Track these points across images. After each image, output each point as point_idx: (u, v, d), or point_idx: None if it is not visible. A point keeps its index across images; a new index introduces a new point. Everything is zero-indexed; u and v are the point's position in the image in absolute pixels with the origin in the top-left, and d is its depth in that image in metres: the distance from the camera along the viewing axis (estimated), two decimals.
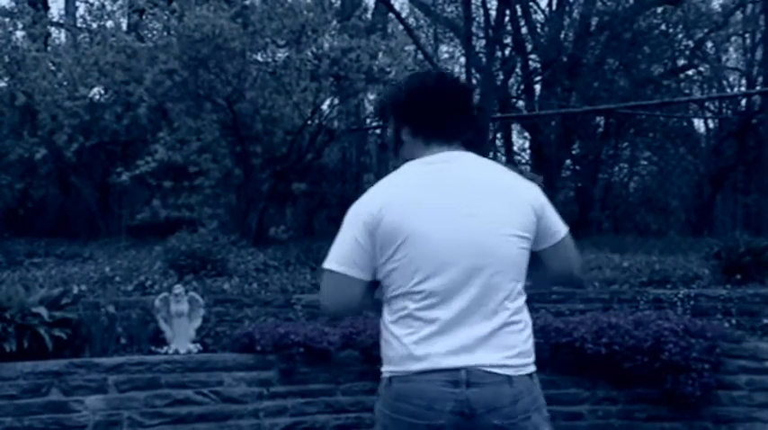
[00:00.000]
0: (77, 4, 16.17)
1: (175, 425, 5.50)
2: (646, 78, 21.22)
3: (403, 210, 2.56)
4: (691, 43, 22.78)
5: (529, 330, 2.62)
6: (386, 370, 2.59)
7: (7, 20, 11.62)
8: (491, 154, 17.89)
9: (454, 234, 2.53)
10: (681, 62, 23.13)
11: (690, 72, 23.66)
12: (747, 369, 5.94)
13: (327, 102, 11.53)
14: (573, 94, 20.37)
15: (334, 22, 11.01)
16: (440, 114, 2.68)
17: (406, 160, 2.72)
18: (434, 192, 2.58)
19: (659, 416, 5.92)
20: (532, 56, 21.82)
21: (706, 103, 23.59)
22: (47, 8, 15.48)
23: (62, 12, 15.98)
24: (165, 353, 5.80)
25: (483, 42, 18.60)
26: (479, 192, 2.62)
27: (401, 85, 2.81)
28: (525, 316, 2.62)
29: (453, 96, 2.71)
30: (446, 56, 24.00)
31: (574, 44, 20.76)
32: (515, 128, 23.60)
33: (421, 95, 2.69)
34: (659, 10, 21.48)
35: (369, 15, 16.12)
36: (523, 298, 2.63)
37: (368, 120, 14.22)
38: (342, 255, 2.65)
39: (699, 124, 24.79)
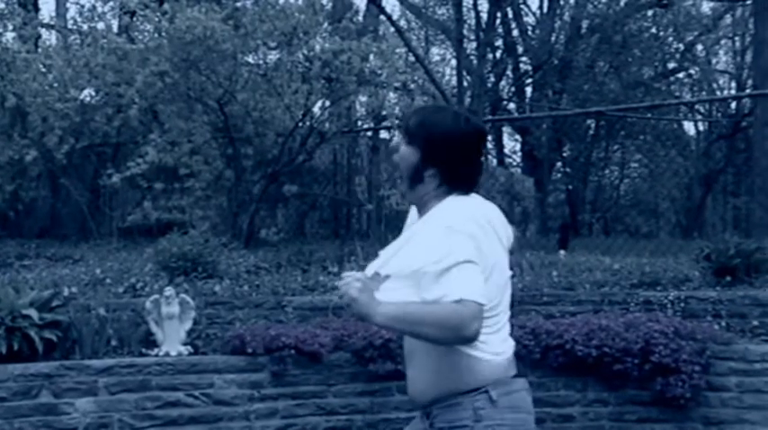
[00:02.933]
0: (68, 5, 16.16)
1: (166, 428, 5.49)
2: (636, 81, 21.30)
3: None
4: (681, 46, 22.89)
5: None
6: (479, 386, 2.59)
7: None
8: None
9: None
10: (671, 65, 23.24)
11: (680, 75, 23.77)
12: (737, 371, 5.96)
13: (319, 104, 11.52)
14: (564, 96, 20.44)
15: (326, 25, 11.01)
16: (471, 167, 2.71)
17: (416, 200, 2.73)
18: None
19: (650, 418, 5.94)
20: (523, 58, 21.90)
21: (696, 106, 23.70)
22: (37, 9, 15.43)
23: (53, 13, 15.96)
24: (156, 356, 5.79)
25: (474, 45, 18.64)
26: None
27: (441, 119, 2.70)
28: None
29: (481, 145, 2.75)
30: (437, 58, 24.07)
31: (564, 47, 20.84)
32: (506, 130, 23.66)
33: (458, 143, 2.66)
34: (649, 13, 21.59)
35: (360, 18, 16.11)
36: None
37: (359, 123, 14.21)
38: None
39: (689, 127, 24.89)
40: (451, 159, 2.65)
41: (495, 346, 2.61)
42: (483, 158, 2.80)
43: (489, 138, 22.21)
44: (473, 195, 2.73)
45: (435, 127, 2.67)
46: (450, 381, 2.60)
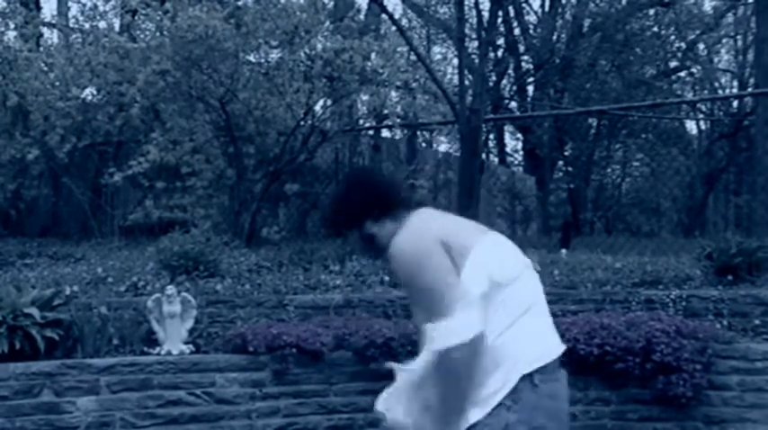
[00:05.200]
0: (70, 4, 16.17)
1: (168, 426, 5.49)
2: (638, 80, 21.29)
3: None
4: (683, 45, 22.88)
5: None
6: (520, 372, 2.68)
7: None
8: (484, 155, 17.91)
9: None
10: (673, 64, 23.22)
11: (682, 73, 23.77)
12: (739, 369, 5.96)
13: (320, 103, 11.52)
14: (565, 95, 20.44)
15: (327, 23, 11.02)
16: (380, 193, 3.00)
17: (382, 247, 2.93)
18: None
19: (651, 417, 5.94)
20: (525, 57, 21.90)
21: (698, 105, 23.68)
22: (39, 8, 15.43)
23: (54, 12, 15.95)
24: (158, 354, 5.79)
25: (476, 43, 18.60)
26: None
27: (336, 202, 3.11)
28: None
29: (371, 181, 3.11)
30: (439, 57, 24.06)
31: (566, 45, 20.83)
32: (508, 129, 23.68)
33: (361, 191, 2.99)
34: (651, 12, 21.57)
35: (362, 16, 16.11)
36: None
37: (361, 122, 14.21)
38: None
39: (691, 126, 24.88)
40: (364, 207, 2.96)
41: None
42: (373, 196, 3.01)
43: (491, 136, 22.22)
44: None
45: (343, 203, 3.05)
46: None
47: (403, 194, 3.08)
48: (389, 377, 5.81)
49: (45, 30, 13.64)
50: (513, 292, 2.76)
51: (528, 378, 2.65)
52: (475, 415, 2.66)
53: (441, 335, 2.62)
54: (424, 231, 2.77)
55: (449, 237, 2.74)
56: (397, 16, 17.45)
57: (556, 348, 2.81)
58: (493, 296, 2.69)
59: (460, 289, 2.64)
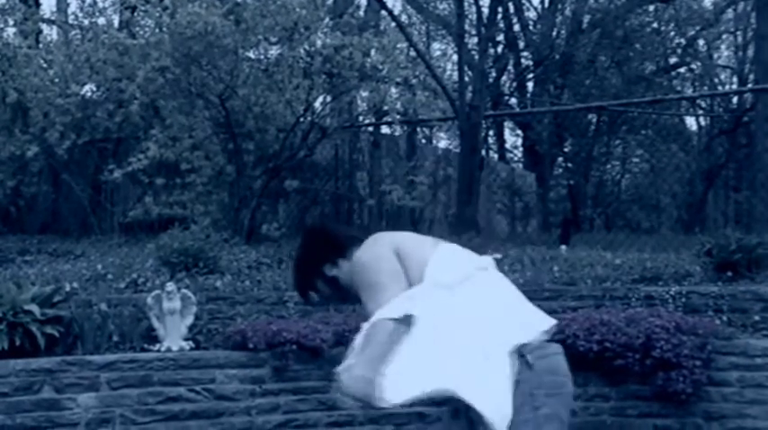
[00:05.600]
0: (69, 0, 16.15)
1: (168, 423, 5.50)
2: (638, 76, 21.27)
3: None
4: (682, 41, 22.87)
5: None
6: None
7: None
8: (484, 152, 17.91)
9: None
10: (672, 60, 23.21)
11: (681, 70, 23.75)
12: (738, 366, 5.97)
13: (320, 99, 11.52)
14: (565, 91, 20.44)
15: (327, 20, 11.01)
16: (334, 236, 3.19)
17: (347, 285, 3.08)
18: None
19: (651, 413, 5.95)
20: (525, 53, 21.90)
21: (698, 101, 23.67)
22: (38, 5, 15.40)
23: (54, 8, 15.94)
24: (158, 351, 5.80)
25: (475, 40, 18.58)
26: None
27: (299, 257, 3.26)
28: None
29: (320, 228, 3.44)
30: (438, 53, 24.02)
31: (566, 42, 20.82)
32: (508, 125, 23.68)
33: (311, 244, 3.22)
34: (651, 8, 21.56)
35: (361, 13, 16.11)
36: None
37: (360, 118, 14.21)
38: None
39: (690, 122, 24.89)
40: (320, 250, 3.15)
41: None
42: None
43: (491, 132, 22.22)
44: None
45: (300, 264, 3.23)
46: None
47: (352, 234, 3.22)
48: None
49: (44, 26, 13.64)
50: (472, 290, 2.78)
51: (522, 358, 2.64)
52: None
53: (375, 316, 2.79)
54: (378, 240, 2.96)
55: (403, 246, 2.89)
56: (396, 12, 17.45)
57: (539, 324, 2.82)
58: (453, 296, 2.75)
59: (399, 292, 2.76)
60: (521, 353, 2.66)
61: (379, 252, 2.88)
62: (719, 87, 24.65)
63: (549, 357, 2.73)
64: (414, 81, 13.57)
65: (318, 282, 3.14)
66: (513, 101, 22.80)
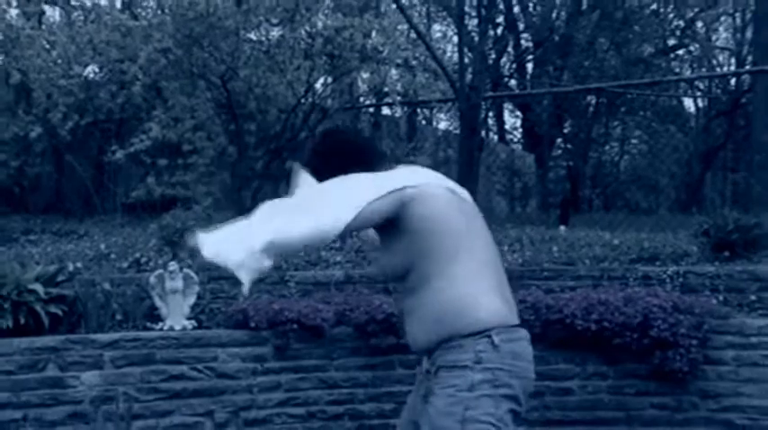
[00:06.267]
0: None
1: (171, 401, 5.52)
2: (637, 57, 21.23)
3: None
4: (681, 23, 22.80)
5: None
6: (481, 330, 2.68)
7: None
8: (483, 133, 17.88)
9: None
10: (671, 41, 23.14)
11: (680, 51, 23.69)
12: (734, 344, 5.98)
13: (321, 80, 11.50)
14: (564, 72, 20.38)
15: (328, 1, 10.98)
16: (368, 153, 3.03)
17: None
18: None
19: (648, 392, 5.97)
20: (524, 35, 21.81)
21: (696, 82, 23.61)
22: None
23: None
24: (161, 330, 5.81)
25: (475, 21, 18.51)
26: None
27: (321, 156, 3.08)
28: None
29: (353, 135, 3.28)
30: (439, 35, 23.93)
31: (565, 23, 20.77)
32: (507, 106, 23.61)
33: (339, 152, 3.02)
34: None
35: None
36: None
37: (361, 99, 14.19)
38: None
39: (689, 103, 24.84)
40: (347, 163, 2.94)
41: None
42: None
43: (490, 113, 22.19)
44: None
45: (321, 166, 3.00)
46: (451, 326, 2.68)
47: (379, 151, 3.09)
48: (390, 352, 5.85)
49: (47, 7, 13.58)
50: (474, 249, 2.77)
51: (488, 339, 2.65)
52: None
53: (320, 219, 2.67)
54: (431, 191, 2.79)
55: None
56: None
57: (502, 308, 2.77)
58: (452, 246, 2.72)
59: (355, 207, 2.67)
60: (488, 333, 2.65)
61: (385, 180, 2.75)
62: (718, 69, 24.60)
63: (515, 341, 2.71)
64: (414, 62, 13.55)
65: None
66: (513, 82, 22.74)
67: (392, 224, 2.74)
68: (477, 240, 2.82)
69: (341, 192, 2.73)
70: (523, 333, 2.77)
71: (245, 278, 2.84)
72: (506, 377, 2.65)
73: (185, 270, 6.10)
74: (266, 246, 2.72)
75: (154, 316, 6.02)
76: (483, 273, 2.76)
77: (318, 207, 2.70)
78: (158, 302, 5.99)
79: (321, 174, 2.90)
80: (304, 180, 2.90)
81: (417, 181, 2.79)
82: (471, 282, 2.72)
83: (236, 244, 2.78)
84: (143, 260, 7.23)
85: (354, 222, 2.67)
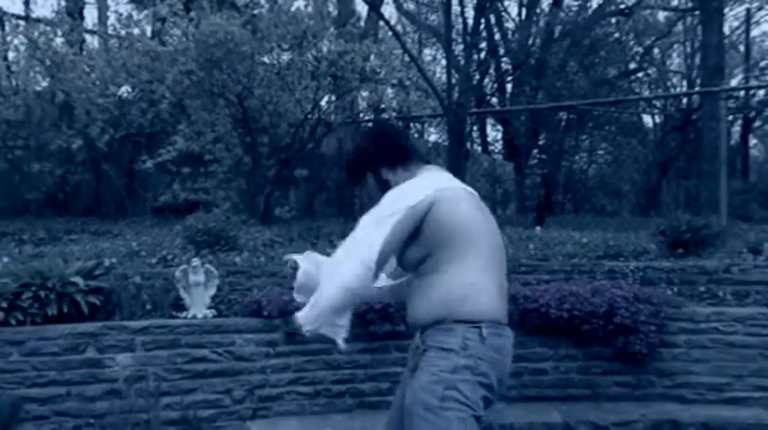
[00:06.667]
0: (108, 14, 16.09)
1: (194, 380, 5.50)
2: (602, 79, 21.30)
3: None
4: (640, 49, 22.87)
5: None
6: (475, 320, 2.67)
7: (48, 29, 11.57)
8: (468, 144, 17.87)
9: None
10: (632, 65, 23.21)
11: (639, 74, 23.74)
12: (686, 330, 5.98)
13: (326, 98, 11.49)
14: (539, 92, 20.41)
15: (332, 29, 10.97)
16: (396, 143, 2.97)
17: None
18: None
19: (612, 371, 5.96)
20: (504, 59, 21.84)
21: (653, 101, 23.67)
22: (82, 18, 15.41)
23: (96, 20, 15.89)
24: (185, 318, 5.79)
25: (462, 47, 18.55)
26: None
27: (355, 150, 3.05)
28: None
29: (389, 131, 3.09)
30: (429, 58, 23.97)
31: (540, 49, 20.79)
32: (489, 121, 23.65)
33: (385, 139, 2.97)
34: (613, 20, 21.53)
35: (362, 23, 16.02)
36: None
37: (361, 115, 14.17)
38: None
39: (647, 119, 24.92)
40: (381, 153, 2.95)
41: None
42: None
43: (475, 127, 22.18)
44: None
45: (360, 149, 3.01)
46: (451, 308, 2.67)
47: (415, 146, 3.04)
48: (386, 338, 5.83)
49: (87, 36, 13.59)
50: (480, 247, 2.75)
51: (477, 329, 2.64)
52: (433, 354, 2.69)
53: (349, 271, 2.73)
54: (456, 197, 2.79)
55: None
56: (393, 22, 17.36)
57: (498, 306, 2.76)
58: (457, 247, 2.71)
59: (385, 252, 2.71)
60: (479, 325, 2.64)
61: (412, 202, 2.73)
62: (672, 90, 24.65)
63: (500, 337, 2.70)
64: (407, 82, 13.53)
65: (369, 177, 2.98)
66: (494, 100, 22.76)
67: (416, 228, 2.74)
68: (491, 238, 2.79)
69: (361, 244, 2.73)
70: (509, 332, 2.75)
71: (337, 338, 3.04)
72: (486, 367, 2.64)
73: (206, 265, 6.09)
74: (328, 311, 2.88)
75: (179, 305, 6.01)
76: (490, 270, 2.74)
77: (347, 258, 2.75)
78: (183, 294, 5.97)
79: (362, 163, 2.96)
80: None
81: (437, 186, 2.77)
82: (479, 275, 2.70)
83: (316, 318, 2.90)
84: (169, 256, 7.21)
85: (381, 256, 2.70)
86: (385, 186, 2.90)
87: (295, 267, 3.09)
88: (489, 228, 2.81)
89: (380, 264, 2.73)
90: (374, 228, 2.71)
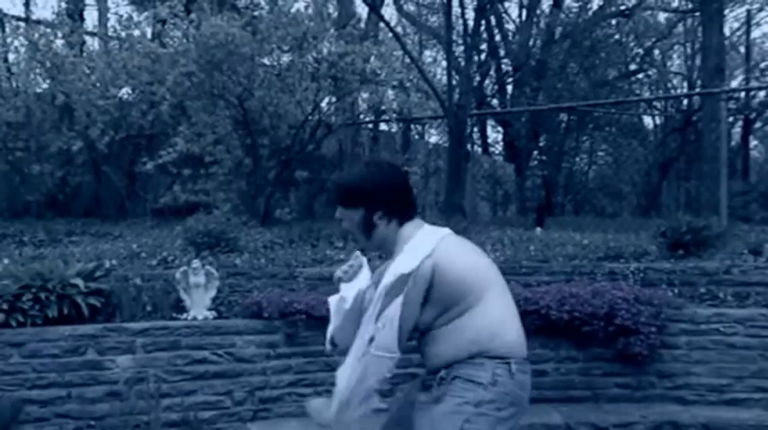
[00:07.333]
0: (109, 15, 16.11)
1: (194, 381, 5.50)
2: (602, 80, 21.30)
3: None
4: (640, 50, 22.87)
5: None
6: (505, 355, 2.66)
7: (49, 30, 11.58)
8: (469, 146, 17.88)
9: None
10: (632, 67, 23.21)
11: (640, 75, 23.74)
12: (687, 331, 5.97)
13: (326, 100, 11.51)
14: (540, 93, 20.41)
15: (332, 31, 10.98)
16: (407, 197, 2.81)
17: (377, 243, 2.81)
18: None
19: (613, 373, 5.96)
20: (505, 60, 21.84)
21: (654, 103, 23.66)
22: (82, 20, 15.41)
23: (96, 22, 15.89)
24: (185, 319, 5.79)
25: (462, 48, 18.55)
26: None
27: (365, 175, 2.80)
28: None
29: (406, 182, 2.87)
30: (430, 60, 23.98)
31: (541, 50, 20.79)
32: (490, 123, 23.63)
33: (393, 183, 2.78)
34: (614, 21, 21.54)
35: (362, 24, 16.03)
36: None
37: (361, 116, 14.18)
38: None
39: (648, 120, 24.91)
40: (393, 196, 2.76)
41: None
42: (407, 189, 2.87)
43: (475, 129, 22.19)
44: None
45: (365, 180, 2.77)
46: (483, 345, 2.64)
47: (416, 207, 2.89)
48: None
49: (88, 38, 13.60)
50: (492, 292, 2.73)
51: (507, 366, 2.63)
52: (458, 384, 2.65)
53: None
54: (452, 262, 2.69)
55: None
56: (393, 24, 17.36)
57: (523, 340, 2.76)
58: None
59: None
60: (507, 361, 2.64)
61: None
62: (672, 91, 24.64)
63: (526, 373, 2.70)
64: (408, 84, 13.55)
65: (357, 212, 2.78)
66: (495, 101, 22.76)
67: (431, 287, 2.66)
68: (498, 280, 2.77)
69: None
70: (529, 366, 2.74)
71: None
72: (509, 404, 2.63)
73: (207, 267, 6.09)
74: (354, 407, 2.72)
75: (179, 307, 6.00)
76: (507, 307, 2.73)
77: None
78: (183, 295, 5.97)
79: (354, 197, 2.78)
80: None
81: (433, 244, 2.68)
82: (501, 310, 2.69)
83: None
84: (170, 258, 7.22)
85: (402, 335, 2.64)
86: (368, 230, 2.78)
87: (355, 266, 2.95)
88: (489, 264, 2.80)
89: (403, 343, 2.67)
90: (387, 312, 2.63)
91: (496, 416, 2.60)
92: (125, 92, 11.73)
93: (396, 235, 2.77)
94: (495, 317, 2.67)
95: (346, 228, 2.84)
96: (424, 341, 2.77)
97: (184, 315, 5.89)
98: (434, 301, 2.66)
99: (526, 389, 2.70)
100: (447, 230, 2.81)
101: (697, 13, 19.74)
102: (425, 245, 2.68)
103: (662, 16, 23.52)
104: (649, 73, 23.95)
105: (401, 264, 2.63)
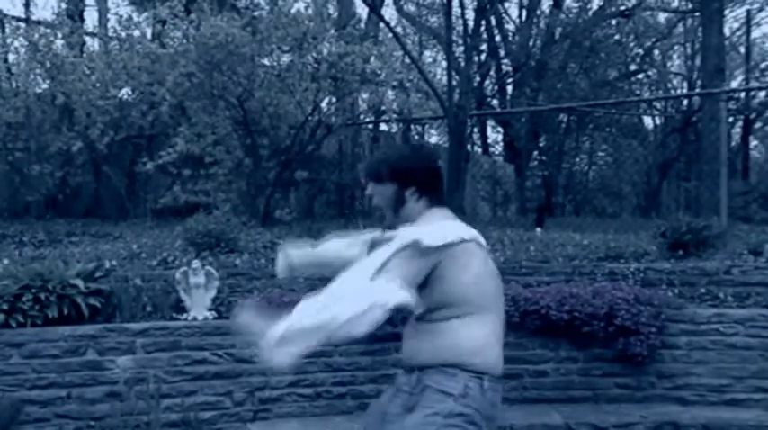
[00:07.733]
0: (109, 16, 16.12)
1: (194, 382, 5.50)
2: (602, 81, 21.31)
3: None
4: (640, 51, 22.88)
5: None
6: (480, 371, 2.65)
7: (48, 31, 11.58)
8: (469, 146, 17.89)
9: None
10: (632, 67, 23.22)
11: (640, 76, 23.75)
12: (687, 331, 5.97)
13: (326, 100, 11.51)
14: (540, 93, 20.42)
15: (332, 31, 10.98)
16: (441, 182, 2.85)
17: (404, 220, 2.78)
18: None
19: (613, 373, 5.96)
20: (505, 60, 21.84)
21: (654, 103, 23.66)
22: (82, 20, 15.41)
23: (96, 23, 15.90)
24: (185, 320, 5.79)
25: (462, 48, 18.55)
26: None
27: (404, 153, 2.86)
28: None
29: (440, 167, 2.89)
30: (430, 60, 23.98)
31: (541, 50, 20.80)
32: (490, 123, 23.64)
33: (430, 164, 2.82)
34: (614, 22, 21.54)
35: (362, 25, 16.05)
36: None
37: (361, 117, 14.18)
38: None
39: (648, 121, 24.92)
40: (430, 178, 2.79)
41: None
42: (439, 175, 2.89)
43: (475, 129, 22.19)
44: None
45: (405, 158, 2.81)
46: (461, 358, 2.63)
47: (443, 190, 2.90)
48: (386, 340, 5.83)
49: (88, 38, 13.59)
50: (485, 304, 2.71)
51: (479, 380, 2.62)
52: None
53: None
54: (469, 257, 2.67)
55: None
56: (393, 24, 17.36)
57: (501, 363, 2.74)
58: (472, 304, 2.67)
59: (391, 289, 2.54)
60: (480, 376, 2.63)
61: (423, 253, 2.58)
62: (672, 91, 24.65)
63: (497, 392, 2.68)
64: (408, 84, 13.55)
65: (390, 187, 2.78)
66: (495, 102, 22.77)
67: (434, 273, 2.63)
68: (498, 297, 2.77)
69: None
70: (501, 387, 2.72)
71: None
72: (479, 418, 2.60)
73: (207, 267, 6.09)
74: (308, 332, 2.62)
75: (179, 307, 6.00)
76: (495, 325, 2.71)
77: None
78: (183, 296, 5.97)
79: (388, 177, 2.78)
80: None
81: (462, 236, 2.66)
82: (489, 331, 2.68)
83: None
84: (170, 259, 7.21)
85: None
86: (398, 205, 2.78)
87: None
88: (497, 288, 2.79)
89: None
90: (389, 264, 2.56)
91: (466, 429, 2.59)
92: (125, 92, 11.73)
93: (421, 214, 2.76)
94: (482, 334, 2.66)
95: (377, 203, 2.84)
96: (408, 332, 2.77)
97: (184, 315, 5.89)
98: (429, 291, 2.64)
99: (496, 408, 2.69)
100: (477, 233, 2.80)
101: (697, 14, 19.74)
102: (455, 233, 2.65)
103: (662, 16, 23.55)
104: (649, 73, 23.96)
105: (423, 233, 2.59)
